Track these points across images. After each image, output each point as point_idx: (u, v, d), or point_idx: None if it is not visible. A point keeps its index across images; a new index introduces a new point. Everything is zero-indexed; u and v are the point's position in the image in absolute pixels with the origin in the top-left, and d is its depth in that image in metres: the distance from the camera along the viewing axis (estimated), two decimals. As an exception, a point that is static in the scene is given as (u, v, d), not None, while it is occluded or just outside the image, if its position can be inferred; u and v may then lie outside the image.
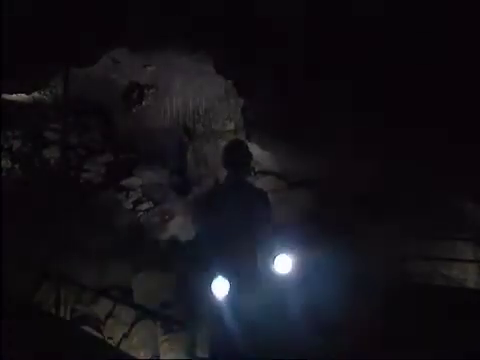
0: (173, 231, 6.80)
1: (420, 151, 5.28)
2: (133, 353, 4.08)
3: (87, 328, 4.59)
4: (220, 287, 2.03)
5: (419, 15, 4.85)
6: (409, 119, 5.28)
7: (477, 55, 4.68)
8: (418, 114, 5.23)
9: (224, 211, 2.20)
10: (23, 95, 8.16)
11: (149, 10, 5.91)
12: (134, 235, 6.44)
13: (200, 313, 3.50)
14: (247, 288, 2.12)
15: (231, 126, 8.44)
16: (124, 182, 7.65)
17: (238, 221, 2.18)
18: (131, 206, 7.20)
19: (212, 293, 2.04)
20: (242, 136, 7.55)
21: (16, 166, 7.53)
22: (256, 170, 7.73)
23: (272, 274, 2.20)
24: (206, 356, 2.47)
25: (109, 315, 4.77)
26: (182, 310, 4.33)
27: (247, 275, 2.15)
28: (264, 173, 7.80)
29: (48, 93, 8.62)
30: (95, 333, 4.57)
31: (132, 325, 4.51)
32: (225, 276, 2.04)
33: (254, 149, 5.82)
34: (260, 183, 6.97)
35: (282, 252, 2.21)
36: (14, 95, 7.98)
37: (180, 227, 6.85)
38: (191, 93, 8.42)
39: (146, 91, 8.72)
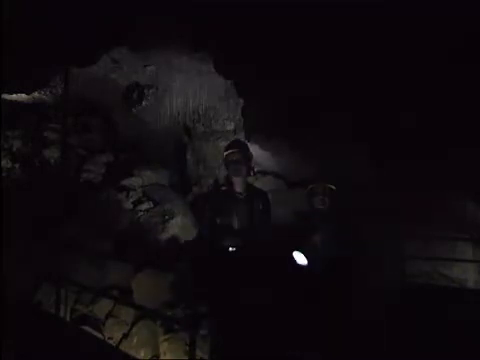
0: (173, 231, 6.79)
1: (420, 151, 5.29)
2: (133, 353, 4.06)
3: (87, 328, 4.59)
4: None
5: None
6: (409, 119, 5.29)
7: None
8: (418, 114, 5.24)
9: None
10: (23, 95, 8.15)
11: (149, 10, 5.90)
12: (134, 235, 6.43)
13: (200, 313, 3.49)
14: None
15: (231, 126, 8.44)
16: (124, 182, 7.64)
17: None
18: (131, 206, 7.18)
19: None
20: (242, 136, 7.55)
21: (16, 166, 7.53)
22: (256, 170, 7.73)
23: None
24: (206, 356, 2.47)
25: (109, 315, 4.77)
26: (182, 310, 4.32)
27: None
28: (264, 173, 7.81)
29: (48, 93, 8.62)
30: (95, 333, 4.56)
31: (132, 325, 4.49)
32: None
33: (254, 149, 5.82)
34: (260, 183, 6.97)
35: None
36: (14, 95, 7.98)
37: (180, 227, 6.85)
38: (191, 93, 8.42)
39: (146, 91, 8.71)
